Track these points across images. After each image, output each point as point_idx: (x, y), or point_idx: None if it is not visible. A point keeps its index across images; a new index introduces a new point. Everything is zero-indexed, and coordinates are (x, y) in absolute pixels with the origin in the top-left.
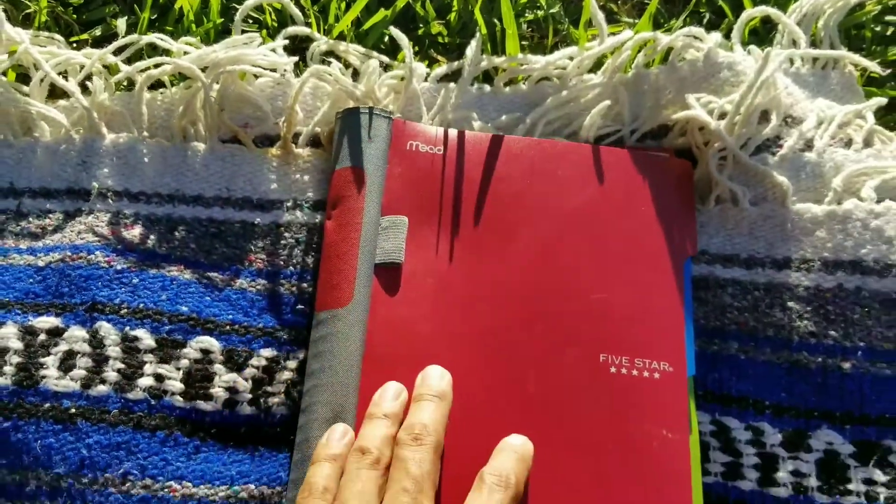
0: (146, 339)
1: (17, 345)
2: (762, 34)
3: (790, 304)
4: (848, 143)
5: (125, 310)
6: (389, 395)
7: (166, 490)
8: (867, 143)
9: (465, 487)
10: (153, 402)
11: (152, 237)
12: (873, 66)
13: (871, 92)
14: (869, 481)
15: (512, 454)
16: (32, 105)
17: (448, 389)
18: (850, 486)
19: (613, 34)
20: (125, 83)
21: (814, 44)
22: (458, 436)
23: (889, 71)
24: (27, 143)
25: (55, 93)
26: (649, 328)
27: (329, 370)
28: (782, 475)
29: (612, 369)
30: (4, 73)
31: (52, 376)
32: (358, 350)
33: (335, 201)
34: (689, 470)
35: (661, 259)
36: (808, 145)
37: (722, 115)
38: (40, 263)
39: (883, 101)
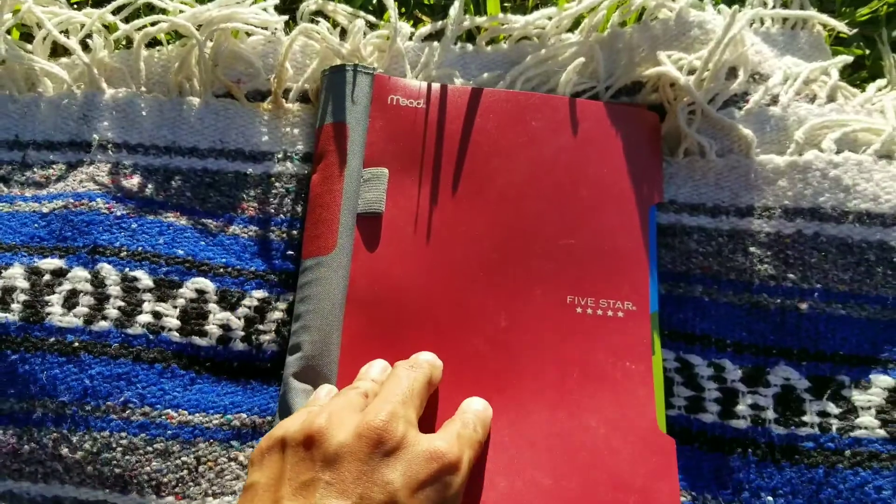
0: (144, 279)
1: (23, 284)
2: None
3: (752, 249)
4: (812, 99)
5: (125, 252)
6: (376, 368)
7: (164, 417)
8: (831, 98)
9: (443, 410)
10: (151, 337)
11: (150, 186)
12: (840, 26)
13: (838, 51)
14: (823, 413)
15: (474, 416)
16: (36, 62)
17: (440, 365)
18: (805, 418)
19: None
20: (124, 41)
21: (784, 4)
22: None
23: (856, 31)
24: (31, 98)
25: (57, 51)
26: (614, 271)
27: (314, 312)
28: (742, 408)
29: (578, 310)
30: (9, 32)
31: (56, 313)
32: (341, 293)
33: (320, 155)
34: (651, 396)
35: (627, 206)
36: (774, 100)
37: (692, 72)
38: (45, 210)
39: (848, 59)
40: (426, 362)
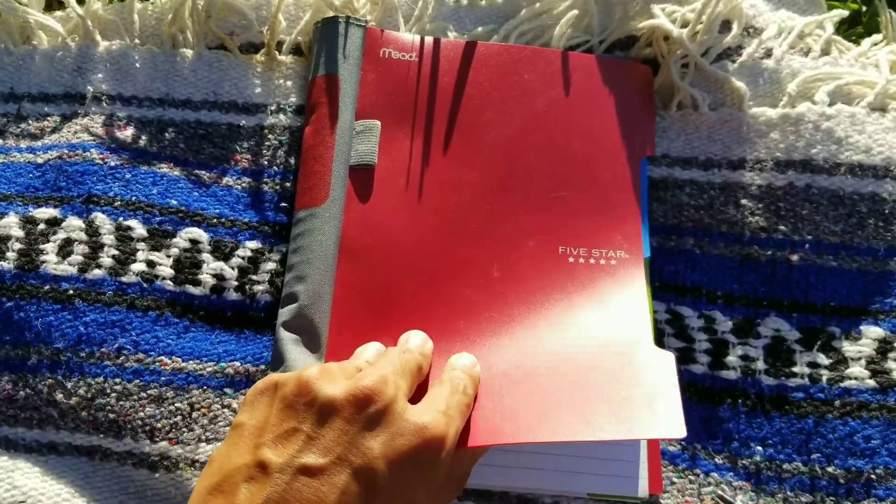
0: (138, 228)
1: (18, 233)
2: None
3: (743, 201)
4: (806, 53)
5: (119, 202)
6: (371, 350)
7: (157, 364)
8: (825, 52)
9: (436, 359)
10: (145, 286)
11: (144, 137)
12: None
13: (833, 6)
14: (813, 364)
15: (464, 376)
16: (31, 14)
17: (429, 352)
18: (795, 369)
19: None
20: None
21: None
22: (427, 321)
23: None
24: (26, 50)
25: (52, 4)
26: (607, 221)
27: (307, 262)
28: (732, 359)
29: (571, 259)
30: None
31: (51, 261)
32: (334, 243)
33: (312, 108)
34: (647, 319)
35: (619, 158)
36: (768, 53)
37: (685, 25)
38: (39, 160)
39: (844, 13)
40: (417, 349)
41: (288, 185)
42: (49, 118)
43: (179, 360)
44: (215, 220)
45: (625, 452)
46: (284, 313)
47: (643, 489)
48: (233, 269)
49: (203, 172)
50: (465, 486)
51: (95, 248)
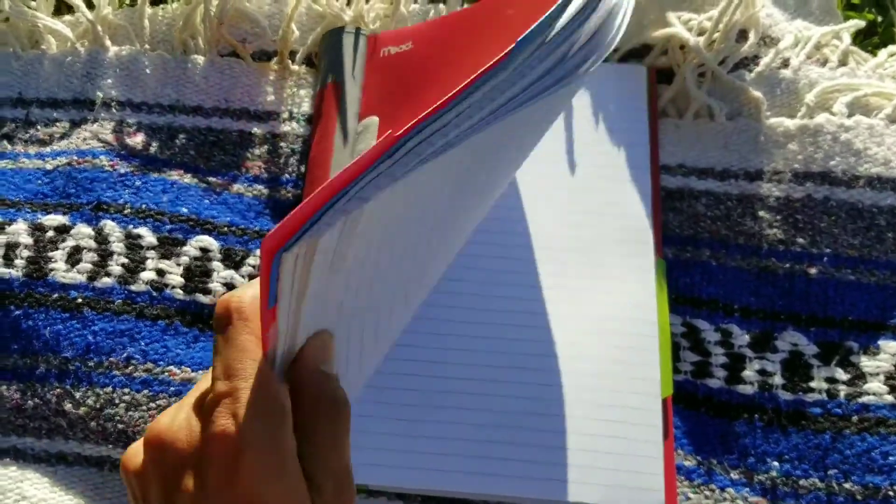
0: (148, 236)
1: (27, 240)
2: None
3: (761, 213)
4: (824, 63)
5: (128, 209)
6: None
7: (166, 374)
8: (842, 62)
9: None
10: (155, 294)
11: (154, 144)
12: None
13: (849, 16)
14: (831, 379)
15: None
16: (40, 19)
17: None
18: (813, 384)
19: None
20: None
21: None
22: None
23: None
24: (35, 55)
25: (61, 8)
26: None
27: None
28: (749, 374)
29: None
30: None
31: (59, 269)
32: None
33: (318, 118)
34: None
35: None
36: (785, 63)
37: (701, 33)
38: (48, 167)
39: (860, 23)
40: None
41: (300, 192)
42: (58, 124)
43: (189, 370)
44: (226, 229)
45: (642, 464)
46: None
47: (660, 502)
48: (243, 277)
49: (214, 179)
50: (464, 495)
51: (105, 256)
